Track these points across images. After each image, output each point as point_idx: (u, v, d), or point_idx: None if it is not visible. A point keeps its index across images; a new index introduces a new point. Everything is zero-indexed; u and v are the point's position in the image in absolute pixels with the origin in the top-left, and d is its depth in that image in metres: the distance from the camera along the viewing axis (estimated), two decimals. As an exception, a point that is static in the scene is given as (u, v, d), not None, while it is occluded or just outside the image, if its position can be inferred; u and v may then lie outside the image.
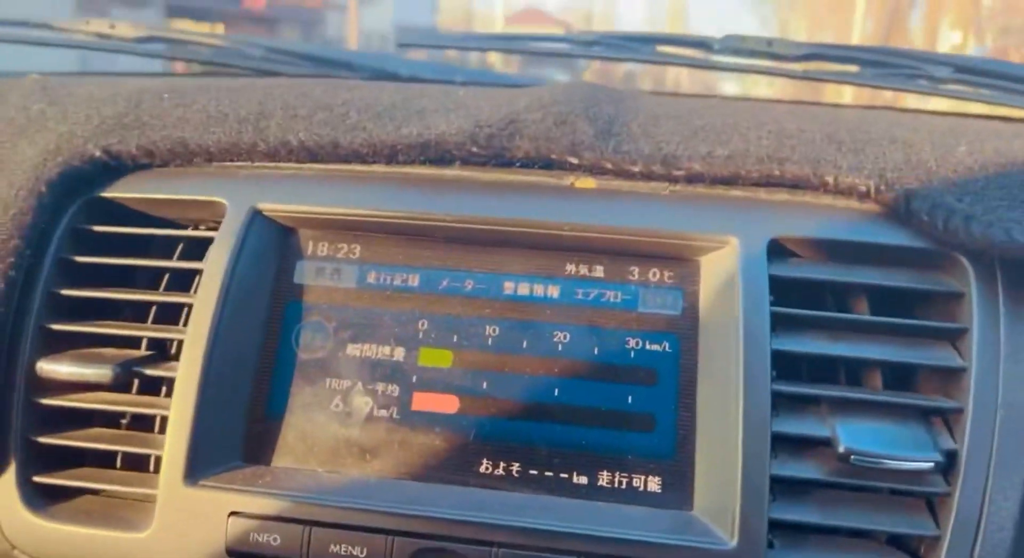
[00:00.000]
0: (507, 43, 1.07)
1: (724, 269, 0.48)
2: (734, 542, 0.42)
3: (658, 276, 0.50)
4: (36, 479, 0.49)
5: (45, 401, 0.49)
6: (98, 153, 0.53)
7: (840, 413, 0.45)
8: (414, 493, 0.46)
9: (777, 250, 0.48)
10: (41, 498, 0.49)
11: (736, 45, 1.04)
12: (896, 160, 0.50)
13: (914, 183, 0.48)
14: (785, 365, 0.47)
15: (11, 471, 0.49)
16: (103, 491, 0.49)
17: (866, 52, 1.05)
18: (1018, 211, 0.46)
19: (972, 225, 0.45)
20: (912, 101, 1.06)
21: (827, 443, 0.43)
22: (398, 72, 1.17)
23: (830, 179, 0.49)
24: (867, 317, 0.47)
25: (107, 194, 0.54)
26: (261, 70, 1.13)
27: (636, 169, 0.51)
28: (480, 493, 0.46)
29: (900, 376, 0.48)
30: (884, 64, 1.00)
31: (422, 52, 1.19)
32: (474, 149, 0.52)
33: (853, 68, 1.00)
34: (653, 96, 0.79)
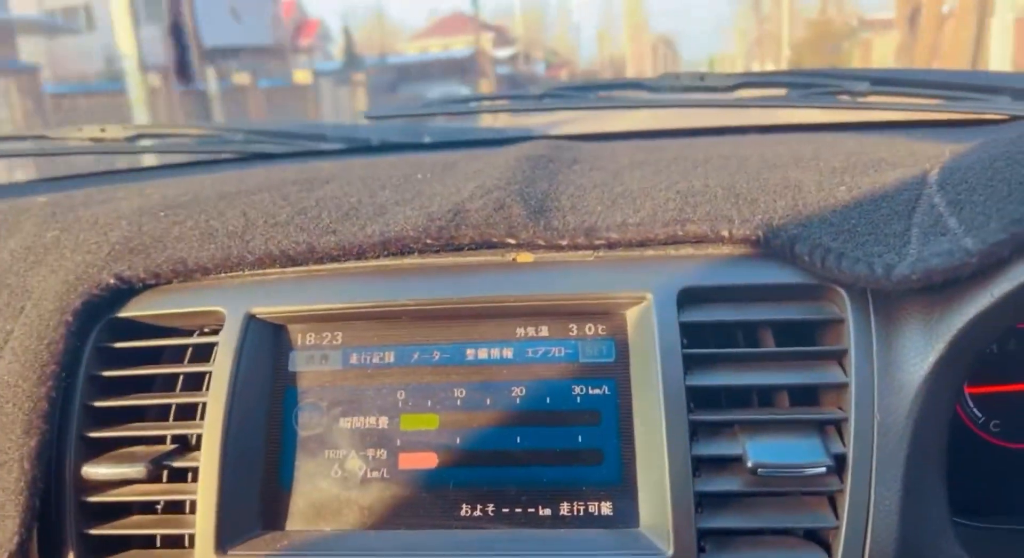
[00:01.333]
0: (465, 107, 1.17)
1: (644, 319, 0.57)
2: (670, 551, 0.51)
3: (593, 330, 0.59)
4: None
5: (92, 499, 0.58)
6: (112, 280, 0.63)
7: (750, 433, 0.53)
8: (408, 539, 0.55)
9: (688, 298, 0.57)
10: None
11: (671, 82, 1.14)
12: (784, 208, 0.59)
13: (797, 229, 0.57)
14: (705, 396, 0.55)
15: None
16: None
17: (791, 76, 1.14)
18: (880, 246, 0.54)
19: (843, 262, 0.54)
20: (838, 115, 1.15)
21: (740, 459, 0.52)
22: (369, 139, 1.27)
23: (726, 233, 0.58)
24: (762, 349, 0.56)
25: (122, 314, 0.63)
26: (245, 152, 1.24)
27: (564, 242, 0.60)
28: (463, 534, 0.55)
29: (805, 394, 0.57)
30: (808, 85, 1.09)
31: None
32: (428, 240, 0.61)
33: (780, 92, 1.09)
34: (592, 147, 0.88)
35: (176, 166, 1.27)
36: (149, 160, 1.34)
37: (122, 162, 1.42)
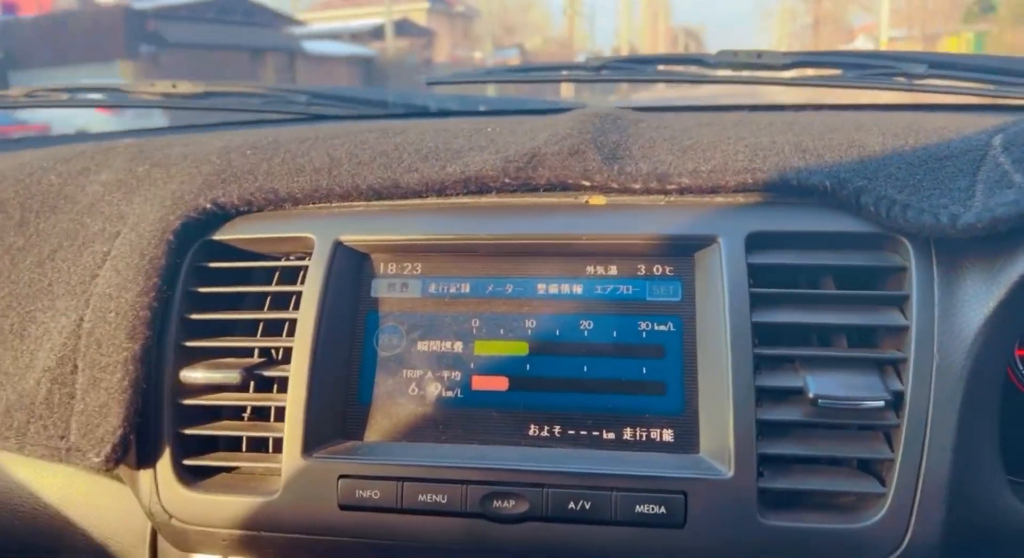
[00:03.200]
0: (523, 75, 1.20)
1: (712, 261, 0.60)
2: (731, 473, 0.54)
3: (661, 270, 0.62)
4: (186, 462, 0.62)
5: (187, 402, 0.63)
6: (208, 205, 0.67)
7: (811, 368, 0.56)
8: (480, 453, 0.59)
9: (755, 243, 0.60)
10: (190, 476, 0.62)
11: (729, 59, 1.16)
12: (850, 162, 0.62)
13: (863, 181, 0.59)
14: (768, 334, 0.58)
15: (166, 457, 0.62)
16: (237, 468, 0.63)
17: (847, 56, 1.16)
18: (946, 198, 0.57)
19: (908, 212, 0.56)
20: (891, 97, 1.17)
21: (801, 392, 0.55)
22: (427, 107, 1.31)
23: (794, 183, 0.61)
24: (828, 291, 0.59)
25: (218, 237, 0.67)
26: (308, 113, 1.28)
27: (637, 186, 0.63)
28: (531, 450, 0.59)
29: (863, 336, 0.60)
30: (864, 66, 1.10)
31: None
32: (506, 180, 0.65)
33: (836, 72, 1.11)
34: (654, 115, 0.91)
35: (243, 123, 1.32)
36: (215, 119, 1.39)
37: (189, 119, 1.47)
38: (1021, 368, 0.69)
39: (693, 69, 1.19)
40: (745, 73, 1.18)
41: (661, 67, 1.18)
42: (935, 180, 0.59)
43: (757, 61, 1.14)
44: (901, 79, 1.09)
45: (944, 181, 0.58)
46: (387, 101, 1.31)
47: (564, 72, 1.23)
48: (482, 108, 1.33)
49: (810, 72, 1.16)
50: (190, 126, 1.29)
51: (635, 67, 1.19)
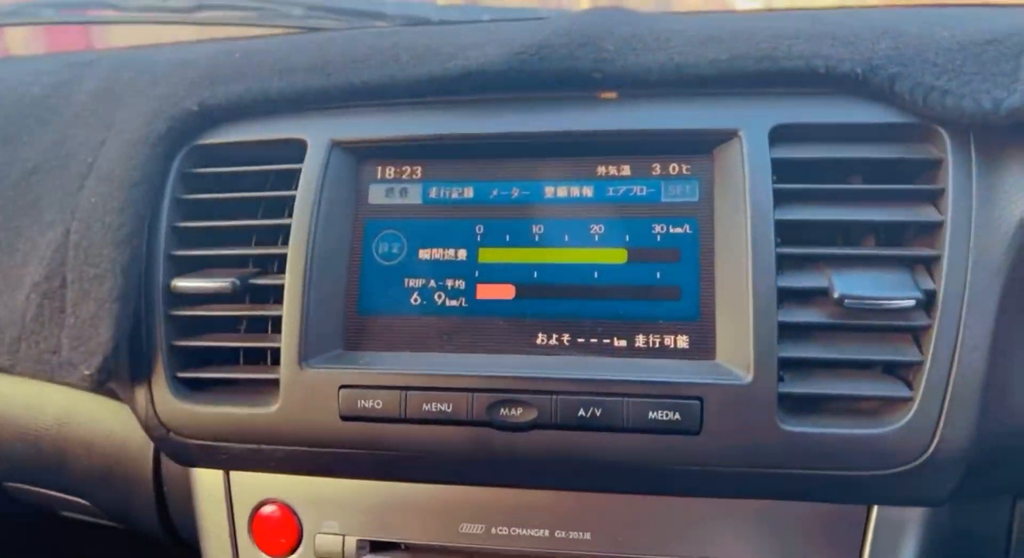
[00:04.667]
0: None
1: (733, 157, 0.56)
2: (750, 377, 0.51)
3: (677, 169, 0.58)
4: (180, 375, 0.60)
5: (180, 313, 0.60)
6: (195, 107, 0.63)
7: (836, 267, 0.53)
8: (486, 361, 0.56)
9: (780, 136, 0.56)
10: (186, 389, 0.60)
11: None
12: (883, 48, 0.57)
13: (897, 67, 0.55)
14: (792, 232, 0.55)
15: (160, 371, 0.60)
16: (234, 380, 0.61)
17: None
18: (988, 82, 0.52)
19: (947, 99, 0.52)
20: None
21: (825, 293, 0.52)
22: (429, 17, 1.24)
23: (822, 70, 0.56)
24: (854, 186, 0.55)
25: (206, 141, 0.64)
26: (303, 26, 1.22)
27: (652, 77, 0.58)
28: (539, 358, 0.56)
29: (893, 235, 0.56)
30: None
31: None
32: (511, 74, 0.60)
33: None
34: (672, 16, 0.86)
35: (236, 39, 1.26)
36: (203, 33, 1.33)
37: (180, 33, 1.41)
38: None
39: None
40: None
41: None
42: (977, 64, 0.54)
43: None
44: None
45: (987, 65, 0.54)
46: (385, 13, 1.24)
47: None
48: (486, 18, 1.27)
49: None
50: (174, 44, 1.23)
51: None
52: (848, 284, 0.51)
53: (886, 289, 0.51)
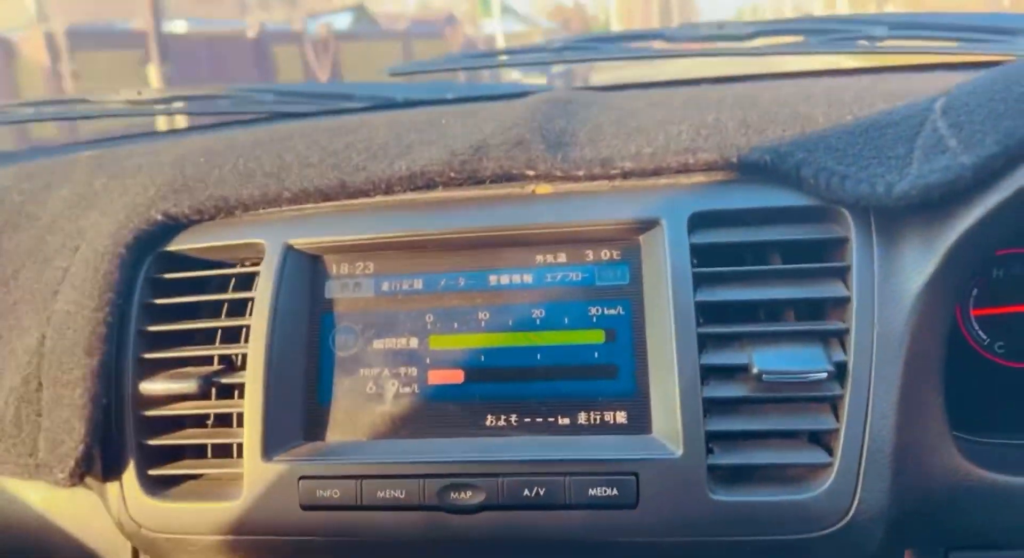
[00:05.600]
0: (486, 61, 1.20)
1: (657, 243, 0.60)
2: (680, 451, 0.55)
3: (608, 255, 0.63)
4: (151, 472, 0.63)
5: (149, 413, 0.64)
6: (159, 217, 0.67)
7: (756, 344, 0.57)
8: (437, 446, 0.60)
9: (698, 223, 0.60)
10: (155, 486, 0.63)
11: (692, 32, 1.15)
12: (791, 136, 0.61)
13: (803, 154, 0.59)
14: (717, 313, 0.59)
15: (131, 469, 0.63)
16: (201, 475, 0.64)
17: (809, 22, 1.16)
18: (883, 166, 0.57)
19: (847, 183, 0.56)
20: (857, 61, 1.16)
21: (747, 368, 0.56)
22: (394, 97, 1.31)
23: (734, 160, 0.61)
24: (768, 267, 0.59)
25: (171, 248, 0.68)
26: (275, 112, 1.28)
27: (581, 173, 0.63)
28: (487, 441, 0.59)
29: (812, 310, 0.60)
30: (826, 31, 1.10)
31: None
32: (452, 174, 0.65)
33: (798, 38, 1.10)
34: (606, 95, 0.91)
35: (210, 127, 1.31)
36: (183, 122, 1.39)
37: (157, 124, 1.47)
38: (976, 327, 0.69)
39: (656, 44, 1.19)
40: (708, 46, 1.18)
41: (624, 44, 1.18)
42: (875, 149, 0.59)
43: (719, 32, 1.14)
44: (864, 42, 1.08)
45: (883, 149, 0.58)
46: (353, 95, 1.30)
47: (527, 55, 1.22)
48: (450, 96, 1.33)
49: (773, 40, 1.15)
50: (153, 133, 1.29)
51: (597, 46, 1.18)
52: (766, 360, 0.55)
53: (801, 363, 0.55)
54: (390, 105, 1.28)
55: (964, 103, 0.58)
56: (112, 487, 0.64)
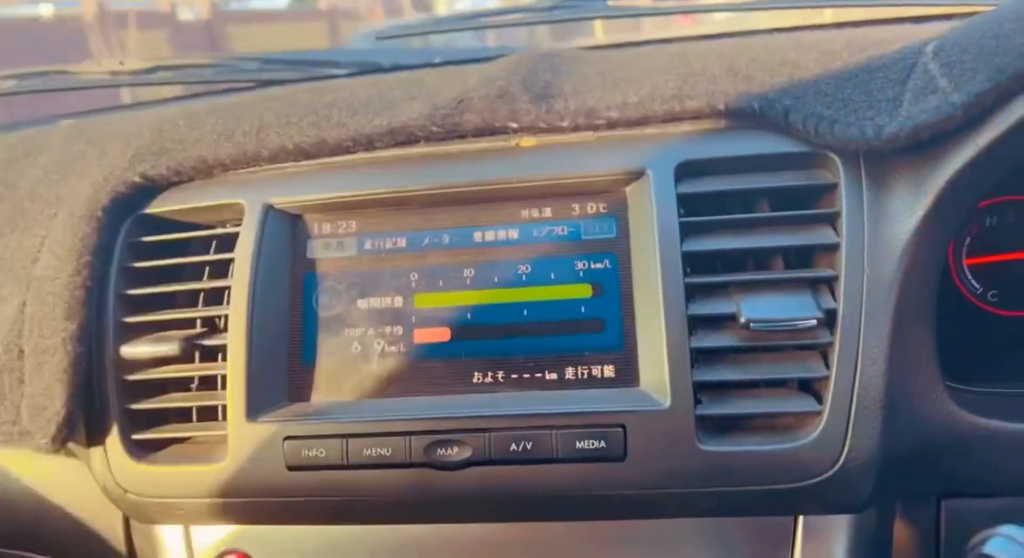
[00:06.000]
0: (474, 22, 1.17)
1: (644, 194, 0.59)
2: (668, 402, 0.54)
3: (595, 208, 0.61)
4: (135, 437, 0.63)
5: (132, 377, 0.63)
6: (137, 178, 0.66)
7: (744, 293, 0.56)
8: (423, 404, 0.59)
9: (685, 172, 0.59)
10: (140, 450, 0.63)
11: (682, -12, 1.13)
12: (780, 82, 0.60)
13: (791, 100, 0.58)
14: (703, 262, 0.58)
15: (115, 434, 0.63)
16: (186, 439, 0.63)
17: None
18: (872, 110, 0.55)
19: (835, 127, 0.55)
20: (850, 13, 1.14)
21: (734, 317, 0.55)
22: (380, 63, 1.28)
23: (722, 107, 0.59)
24: (756, 215, 0.58)
25: (150, 210, 0.67)
26: (259, 80, 1.25)
27: (565, 124, 0.62)
28: (474, 397, 0.59)
29: (801, 258, 0.59)
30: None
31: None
32: (434, 128, 0.63)
33: None
34: (595, 53, 0.89)
35: (194, 96, 1.29)
36: (167, 93, 1.36)
37: (142, 95, 1.45)
38: (968, 277, 0.68)
39: (645, 2, 1.17)
40: (700, 1, 1.16)
41: (611, 2, 1.15)
42: (865, 93, 0.57)
43: (708, -12, 1.11)
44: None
45: (873, 93, 0.57)
46: (338, 61, 1.28)
47: (516, 16, 1.20)
48: (437, 60, 1.30)
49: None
50: (138, 104, 1.27)
51: (586, 4, 1.16)
52: (753, 308, 0.54)
53: (789, 310, 0.54)
54: (376, 70, 1.25)
55: (955, 43, 0.57)
56: (96, 452, 0.64)
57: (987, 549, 0.49)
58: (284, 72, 1.25)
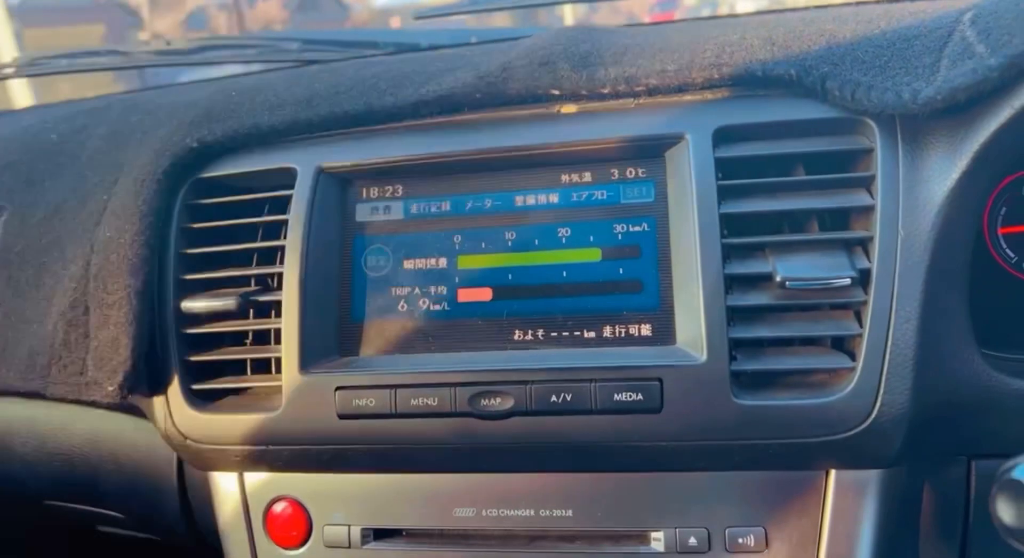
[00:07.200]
0: (509, 1, 1.19)
1: (682, 159, 0.61)
2: (704, 357, 0.56)
3: (633, 173, 0.63)
4: (194, 387, 0.66)
5: (191, 331, 0.66)
6: (195, 144, 0.69)
7: (779, 253, 0.57)
8: (467, 359, 0.61)
9: (723, 137, 0.61)
10: (199, 400, 0.66)
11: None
12: (817, 50, 0.61)
13: (828, 67, 0.59)
14: (739, 224, 0.59)
15: (175, 383, 0.66)
16: (242, 389, 0.67)
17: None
18: (910, 76, 0.57)
19: (872, 93, 0.56)
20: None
21: (770, 277, 0.57)
22: (418, 43, 1.31)
23: (759, 74, 0.61)
24: (793, 178, 0.59)
25: (206, 175, 0.70)
26: (301, 60, 1.29)
27: (606, 90, 0.64)
28: (516, 353, 0.61)
29: (837, 220, 0.60)
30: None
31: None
32: (477, 96, 0.66)
33: None
34: (630, 28, 0.91)
35: (237, 76, 1.33)
36: (211, 72, 1.41)
37: (183, 75, 1.49)
38: (1004, 246, 0.69)
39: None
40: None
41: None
42: (902, 59, 0.58)
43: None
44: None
45: (910, 59, 0.58)
46: (377, 42, 1.31)
47: (551, -6, 1.22)
48: (474, 40, 1.33)
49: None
50: (182, 84, 1.31)
51: (621, -16, 1.17)
52: (789, 268, 0.56)
53: (824, 270, 0.56)
54: (414, 49, 1.28)
55: (992, 11, 0.58)
56: (158, 401, 0.67)
57: (1016, 474, 0.50)
58: (325, 52, 1.28)
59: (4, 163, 0.85)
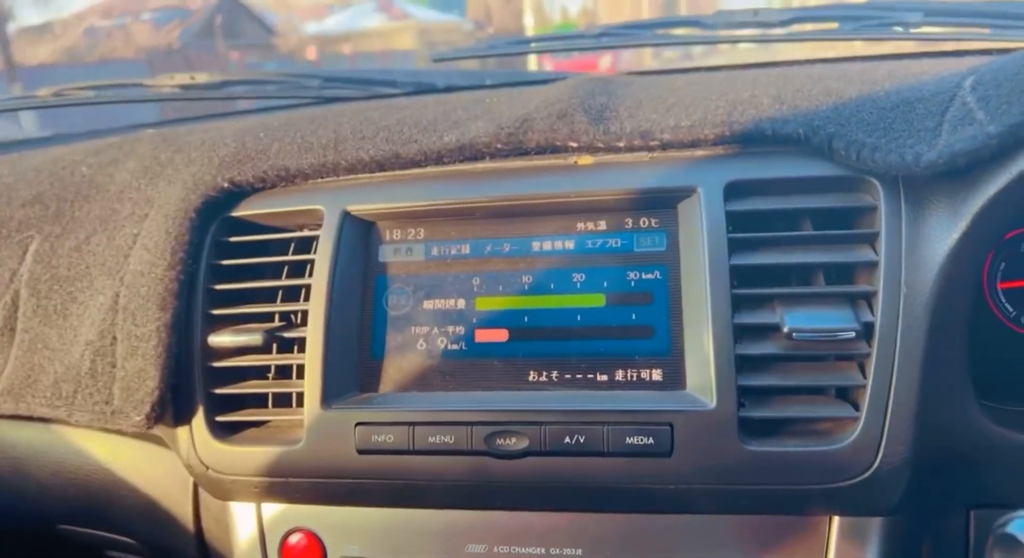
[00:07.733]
0: (526, 46, 1.23)
1: (694, 211, 0.63)
2: (713, 404, 0.58)
3: (647, 223, 0.66)
4: (218, 418, 0.68)
5: (217, 364, 0.69)
6: (226, 184, 0.72)
7: (787, 305, 0.60)
8: (483, 398, 0.64)
9: (734, 191, 0.63)
10: (222, 431, 0.69)
11: (726, 19, 1.18)
12: (824, 110, 0.64)
13: (835, 127, 0.62)
14: (750, 276, 0.62)
15: (200, 415, 0.68)
16: (264, 422, 0.69)
17: (843, 9, 1.17)
18: (913, 138, 0.60)
19: (876, 154, 0.59)
20: (890, 46, 1.18)
21: (778, 328, 0.59)
22: (435, 84, 1.35)
23: (769, 132, 0.64)
24: (800, 233, 0.62)
25: (236, 213, 0.73)
26: (321, 97, 1.33)
27: (621, 144, 0.67)
28: (531, 394, 0.63)
29: (841, 274, 0.63)
30: (860, 18, 1.12)
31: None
32: (498, 146, 0.69)
33: (833, 25, 1.12)
34: (643, 78, 0.94)
35: (260, 111, 1.37)
36: (233, 107, 1.45)
37: (209, 108, 1.53)
38: (1003, 300, 0.72)
39: (690, 31, 1.22)
40: (743, 33, 1.20)
41: (659, 31, 1.21)
42: (905, 122, 0.61)
43: (754, 19, 1.16)
44: (898, 29, 1.10)
45: (913, 123, 0.61)
46: (396, 81, 1.35)
47: (564, 41, 1.26)
48: (488, 82, 1.37)
49: (808, 27, 1.17)
50: (210, 115, 1.35)
51: (634, 33, 1.21)
52: (796, 319, 0.58)
53: (830, 322, 0.58)
54: (431, 90, 1.32)
55: (992, 79, 0.61)
56: (182, 431, 0.69)
57: (1011, 529, 0.52)
58: (344, 90, 1.32)
59: (34, 194, 0.88)
